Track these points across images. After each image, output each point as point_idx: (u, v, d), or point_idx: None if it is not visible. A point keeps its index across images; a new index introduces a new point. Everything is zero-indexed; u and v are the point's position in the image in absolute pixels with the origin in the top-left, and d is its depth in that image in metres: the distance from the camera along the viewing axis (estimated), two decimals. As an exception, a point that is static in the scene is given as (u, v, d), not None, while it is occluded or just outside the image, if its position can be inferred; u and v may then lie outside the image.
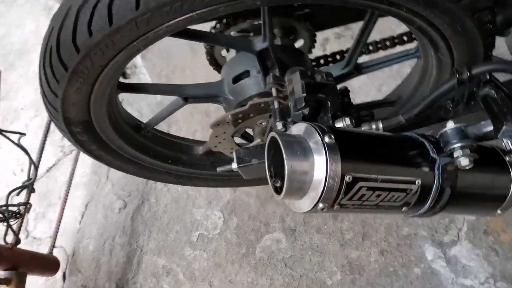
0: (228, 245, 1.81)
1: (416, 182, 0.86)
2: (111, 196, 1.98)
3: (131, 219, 1.93)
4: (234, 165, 1.17)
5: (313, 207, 0.81)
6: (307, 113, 0.99)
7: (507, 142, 0.83)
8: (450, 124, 0.87)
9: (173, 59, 2.21)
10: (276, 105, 1.03)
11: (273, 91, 1.05)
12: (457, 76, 0.96)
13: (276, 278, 1.72)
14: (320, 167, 0.79)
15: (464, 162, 0.85)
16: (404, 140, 0.91)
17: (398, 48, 1.26)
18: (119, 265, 1.85)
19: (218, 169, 1.22)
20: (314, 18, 1.17)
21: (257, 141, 1.27)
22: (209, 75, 1.35)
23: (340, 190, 0.79)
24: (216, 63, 1.35)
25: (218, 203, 1.89)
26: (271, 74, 1.06)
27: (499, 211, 1.00)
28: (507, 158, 0.98)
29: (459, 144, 0.85)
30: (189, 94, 1.20)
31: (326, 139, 0.79)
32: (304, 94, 0.97)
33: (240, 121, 1.14)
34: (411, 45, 1.24)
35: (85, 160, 2.05)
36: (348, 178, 0.79)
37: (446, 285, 1.63)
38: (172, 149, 1.48)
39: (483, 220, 1.68)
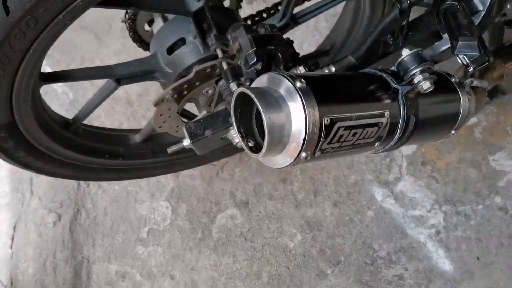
0: (182, 233, 1.73)
1: (386, 114, 0.86)
2: (40, 211, 1.79)
3: (69, 230, 1.76)
4: (187, 142, 1.10)
5: (295, 158, 0.78)
6: (259, 68, 0.95)
7: (463, 57, 0.86)
8: (406, 51, 0.88)
9: (79, 51, 2.03)
10: (225, 66, 0.97)
11: (218, 52, 0.99)
12: (399, 6, 0.97)
13: (239, 254, 1.68)
14: (297, 114, 0.75)
15: (426, 85, 0.86)
16: (365, 76, 0.90)
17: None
18: (67, 282, 1.69)
19: (169, 150, 1.13)
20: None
21: (204, 112, 1.20)
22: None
23: (320, 135, 0.76)
24: (140, 39, 1.25)
25: (162, 193, 1.79)
26: (212, 35, 1.00)
27: (453, 131, 1.04)
28: (453, 79, 1.03)
29: (418, 69, 0.86)
30: (121, 74, 1.09)
31: (298, 84, 0.76)
32: (254, 48, 0.93)
33: (185, 92, 1.07)
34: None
35: (0, 178, 1.83)
36: (326, 120, 0.76)
37: (399, 220, 1.70)
38: (107, 142, 1.36)
39: (419, 153, 1.77)
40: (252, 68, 0.94)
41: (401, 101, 0.89)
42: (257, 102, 0.73)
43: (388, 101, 0.88)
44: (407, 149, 1.78)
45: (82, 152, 1.27)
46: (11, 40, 0.78)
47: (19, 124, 1.01)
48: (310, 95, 0.75)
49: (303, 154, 0.77)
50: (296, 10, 1.17)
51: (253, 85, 0.83)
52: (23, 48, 0.81)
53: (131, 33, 1.21)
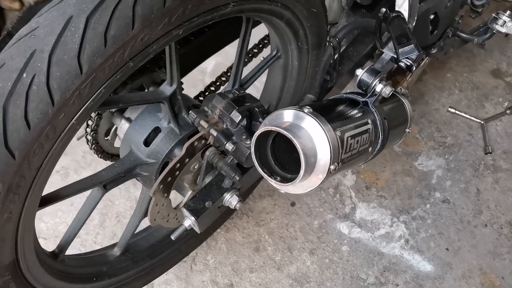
0: None
1: (368, 121, 1.01)
2: None
3: None
4: (188, 222, 1.12)
5: (327, 173, 0.87)
6: (245, 124, 1.04)
7: (405, 61, 1.06)
8: (360, 71, 1.06)
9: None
10: (214, 132, 1.05)
11: (203, 123, 1.06)
12: (332, 45, 1.17)
13: (245, 336, 1.62)
14: (317, 133, 0.86)
15: (388, 89, 1.04)
16: (338, 100, 1.05)
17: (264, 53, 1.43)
18: None
19: (173, 236, 1.13)
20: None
21: (190, 192, 1.23)
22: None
23: (339, 146, 0.87)
24: (102, 150, 1.26)
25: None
26: (191, 111, 1.07)
27: (407, 130, 1.23)
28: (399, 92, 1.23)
29: (377, 80, 1.04)
30: (107, 179, 1.09)
31: (306, 110, 0.87)
32: (236, 108, 1.02)
33: (177, 172, 1.10)
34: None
35: None
36: (338, 133, 0.88)
37: (370, 244, 1.83)
38: (91, 265, 1.28)
39: (360, 180, 1.96)
40: (239, 125, 1.03)
41: (373, 110, 1.05)
42: (287, 134, 0.82)
43: (364, 111, 1.03)
44: (349, 180, 1.96)
45: (73, 281, 1.18)
46: (30, 157, 0.77)
47: (21, 262, 0.94)
48: (319, 116, 0.87)
49: (332, 167, 0.86)
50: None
51: (263, 126, 0.91)
52: (38, 164, 0.80)
53: (94, 145, 1.22)
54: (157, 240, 1.50)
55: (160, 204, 1.14)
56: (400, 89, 1.29)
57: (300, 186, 0.91)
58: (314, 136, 0.86)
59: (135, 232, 1.38)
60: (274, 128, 0.84)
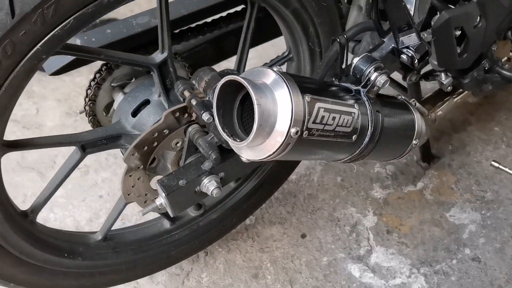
0: None
1: (355, 106, 0.93)
2: None
3: None
4: (160, 199, 1.06)
5: (286, 135, 0.79)
6: (228, 97, 1.00)
7: (407, 51, 0.98)
8: (356, 58, 0.99)
9: (21, 189, 1.94)
10: (194, 101, 1.01)
11: (186, 93, 1.04)
12: (339, 41, 1.11)
13: None
14: (283, 94, 0.79)
15: (383, 78, 0.96)
16: (333, 83, 0.99)
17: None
18: None
19: (142, 212, 1.08)
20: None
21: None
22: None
23: (305, 110, 0.80)
24: (99, 124, 1.26)
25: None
26: (178, 81, 1.05)
27: (414, 142, 1.12)
28: (399, 97, 1.15)
29: (372, 67, 0.96)
30: (87, 140, 1.08)
31: (275, 69, 0.82)
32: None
33: (155, 143, 1.07)
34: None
35: None
36: (307, 97, 0.81)
37: (382, 293, 1.63)
38: (66, 240, 1.24)
39: (381, 223, 1.80)
40: (222, 98, 0.99)
41: (365, 98, 0.97)
42: (243, 81, 0.77)
43: (354, 97, 0.95)
44: (369, 221, 1.80)
45: (40, 247, 1.14)
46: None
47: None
48: (288, 78, 0.81)
49: (293, 130, 0.78)
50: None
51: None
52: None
53: (90, 117, 1.23)
54: (145, 237, 1.43)
55: (135, 177, 1.10)
56: (413, 101, 1.20)
57: (257, 149, 0.83)
58: (277, 94, 0.79)
59: (127, 226, 1.34)
60: (233, 77, 0.78)
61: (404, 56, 0.99)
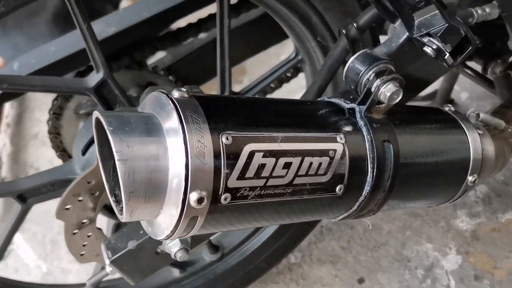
0: None
1: (338, 138, 0.57)
2: None
3: None
4: (107, 261, 0.80)
5: (182, 207, 0.47)
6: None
7: (429, 42, 0.59)
8: (351, 59, 0.63)
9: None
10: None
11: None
12: (345, 34, 0.75)
13: None
14: (172, 135, 0.48)
15: (390, 89, 0.58)
16: (308, 103, 0.64)
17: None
18: None
19: (89, 282, 0.83)
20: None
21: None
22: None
23: (220, 161, 0.47)
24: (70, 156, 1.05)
25: None
26: (118, 106, 0.79)
27: (470, 178, 0.71)
28: (446, 109, 0.75)
29: (371, 71, 0.59)
30: (25, 189, 0.86)
31: (176, 94, 0.50)
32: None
33: (96, 193, 0.81)
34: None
35: None
36: (225, 138, 0.48)
37: None
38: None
39: (467, 265, 1.34)
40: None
41: (361, 123, 0.60)
42: (104, 125, 0.46)
43: (341, 123, 0.59)
44: (451, 262, 1.36)
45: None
46: None
47: None
48: (195, 107, 0.49)
49: (194, 196, 0.46)
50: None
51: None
52: None
53: (58, 153, 1.02)
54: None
55: (83, 234, 0.85)
56: (476, 114, 0.78)
57: (155, 226, 0.52)
58: (168, 137, 0.48)
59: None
60: (96, 114, 0.49)
61: (427, 49, 0.60)
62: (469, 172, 0.70)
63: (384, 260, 1.41)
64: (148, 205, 0.47)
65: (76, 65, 0.93)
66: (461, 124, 0.71)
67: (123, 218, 0.48)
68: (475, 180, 0.71)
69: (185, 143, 0.46)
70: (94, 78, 0.81)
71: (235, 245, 1.26)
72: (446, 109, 0.74)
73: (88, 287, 0.84)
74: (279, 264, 1.45)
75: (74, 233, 0.85)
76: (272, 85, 1.05)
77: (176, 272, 1.21)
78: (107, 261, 0.79)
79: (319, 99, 0.67)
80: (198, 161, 0.46)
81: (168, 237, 0.50)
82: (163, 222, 0.50)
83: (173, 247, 0.81)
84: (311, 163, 0.54)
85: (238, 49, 1.10)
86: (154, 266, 0.85)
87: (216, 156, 0.47)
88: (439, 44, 0.57)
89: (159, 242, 0.82)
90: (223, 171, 0.47)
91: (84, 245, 0.88)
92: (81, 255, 0.89)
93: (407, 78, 0.61)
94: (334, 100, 0.64)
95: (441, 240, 1.41)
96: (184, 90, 0.50)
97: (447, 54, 0.57)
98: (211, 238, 1.25)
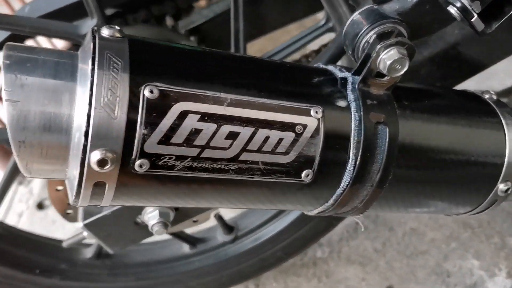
0: None
1: (313, 112, 0.45)
2: None
3: None
4: (81, 224, 0.75)
5: (82, 168, 0.38)
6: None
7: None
8: (352, 15, 0.50)
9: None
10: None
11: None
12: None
13: None
14: (82, 76, 0.39)
15: (391, 56, 0.45)
16: (294, 67, 0.52)
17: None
18: None
19: (65, 243, 0.78)
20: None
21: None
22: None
23: (136, 117, 0.38)
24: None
25: None
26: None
27: (501, 186, 0.56)
28: (486, 96, 0.59)
29: (373, 31, 0.46)
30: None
31: (104, 32, 0.41)
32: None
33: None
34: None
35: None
36: (149, 90, 0.38)
37: None
38: (40, 253, 1.03)
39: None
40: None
41: (351, 97, 0.47)
42: (4, 53, 0.39)
43: (326, 94, 0.47)
44: (498, 285, 1.16)
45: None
46: None
47: None
48: (120, 50, 0.39)
49: (95, 156, 0.37)
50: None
51: None
52: None
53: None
54: (156, 260, 1.14)
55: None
56: None
57: (70, 188, 0.44)
58: (80, 82, 0.39)
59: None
60: (7, 44, 0.41)
61: (451, 9, 0.45)
62: (501, 178, 0.54)
63: (420, 271, 1.25)
64: (47, 160, 0.39)
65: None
66: (501, 118, 0.55)
67: (23, 172, 0.40)
68: (508, 189, 0.55)
69: (91, 89, 0.37)
70: (87, 25, 0.74)
71: (252, 228, 1.17)
72: (486, 96, 0.58)
73: (64, 247, 0.80)
74: (305, 256, 1.34)
75: (58, 190, 0.80)
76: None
77: (186, 247, 1.15)
78: (81, 225, 0.74)
79: (314, 65, 0.55)
80: (105, 113, 0.37)
81: (75, 203, 0.41)
82: (69, 185, 0.42)
83: (151, 219, 0.74)
84: (267, 137, 0.42)
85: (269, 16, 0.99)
86: (134, 236, 0.78)
87: (132, 111, 0.38)
88: (465, 2, 0.42)
89: (138, 212, 0.75)
90: (139, 130, 0.38)
91: (69, 204, 0.84)
92: (67, 213, 0.85)
93: (444, 55, 0.47)
94: (329, 67, 0.51)
95: (491, 258, 1.21)
96: (118, 28, 0.41)
97: (475, 16, 0.42)
98: (226, 218, 1.17)
